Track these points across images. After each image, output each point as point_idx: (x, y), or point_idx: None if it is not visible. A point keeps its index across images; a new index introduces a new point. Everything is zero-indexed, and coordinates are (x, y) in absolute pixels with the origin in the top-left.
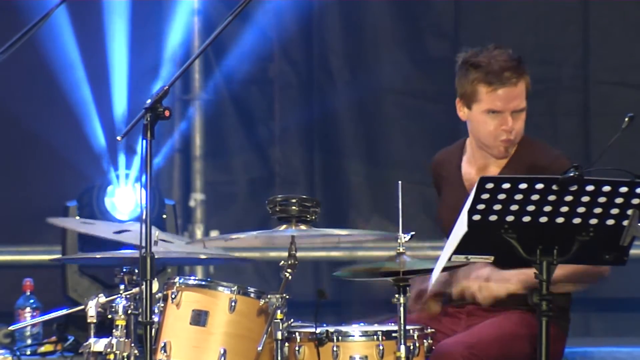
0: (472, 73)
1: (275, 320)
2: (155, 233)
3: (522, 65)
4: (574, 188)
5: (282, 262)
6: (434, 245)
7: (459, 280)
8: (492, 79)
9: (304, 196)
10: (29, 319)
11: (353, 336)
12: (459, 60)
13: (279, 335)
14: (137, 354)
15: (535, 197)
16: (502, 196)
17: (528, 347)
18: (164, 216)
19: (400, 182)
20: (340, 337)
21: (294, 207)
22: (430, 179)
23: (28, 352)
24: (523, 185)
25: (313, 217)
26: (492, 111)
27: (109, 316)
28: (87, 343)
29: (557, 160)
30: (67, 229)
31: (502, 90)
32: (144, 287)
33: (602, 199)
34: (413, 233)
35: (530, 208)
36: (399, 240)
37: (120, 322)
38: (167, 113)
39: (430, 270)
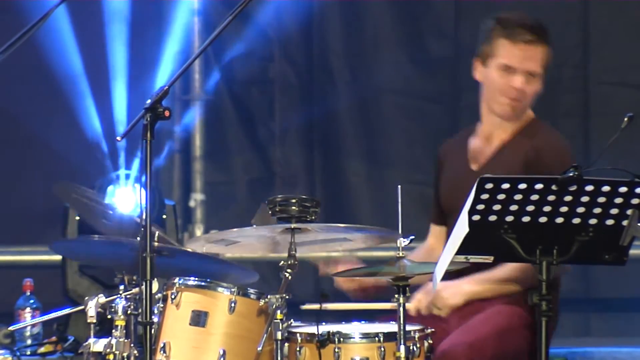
0: (496, 28)
1: (275, 321)
2: (156, 233)
3: (546, 34)
4: (573, 188)
5: (282, 262)
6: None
7: (412, 297)
8: (510, 32)
9: (304, 196)
10: (29, 319)
11: (354, 338)
12: (486, 21)
13: (279, 335)
14: (137, 355)
15: (534, 197)
16: (501, 196)
17: (523, 339)
18: (164, 216)
19: (400, 186)
20: (341, 339)
21: (294, 208)
22: (432, 179)
23: (28, 353)
24: (522, 186)
25: (313, 218)
26: (506, 67)
27: (109, 316)
28: (87, 343)
29: (553, 142)
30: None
31: (520, 47)
32: (143, 287)
33: (601, 199)
34: (413, 237)
35: (530, 208)
36: (398, 244)
37: (120, 322)
38: (167, 113)
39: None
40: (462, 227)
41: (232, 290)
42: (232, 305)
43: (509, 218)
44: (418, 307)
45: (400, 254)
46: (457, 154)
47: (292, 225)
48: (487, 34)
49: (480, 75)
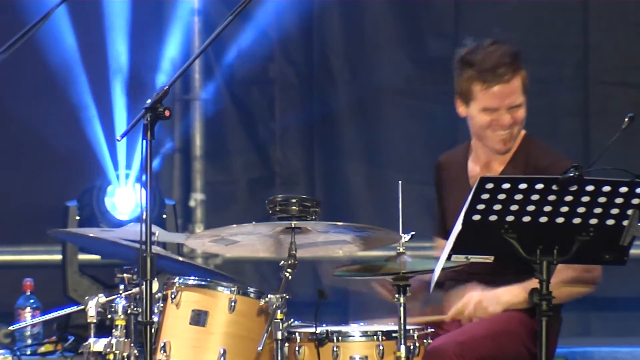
0: (466, 71)
1: (275, 320)
2: (156, 232)
3: (518, 60)
4: (574, 188)
5: (282, 261)
6: (434, 245)
7: (450, 304)
8: (485, 76)
9: (304, 196)
10: (29, 319)
11: (353, 336)
12: (456, 57)
13: (279, 335)
14: (137, 354)
15: (535, 197)
16: (502, 196)
17: (520, 345)
18: (164, 216)
19: (400, 182)
20: (340, 338)
21: (294, 207)
22: (432, 178)
23: (28, 352)
24: (523, 185)
25: (313, 217)
26: (488, 109)
27: (109, 316)
28: (87, 343)
29: (557, 162)
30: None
31: (497, 88)
32: (143, 287)
33: (602, 199)
34: (413, 233)
35: (530, 208)
36: (400, 240)
37: (120, 322)
38: (167, 113)
39: (430, 271)
40: (457, 226)
41: (232, 289)
42: (232, 304)
43: (510, 218)
44: (456, 316)
45: (401, 250)
46: (459, 178)
47: (293, 223)
48: (460, 76)
49: (464, 112)
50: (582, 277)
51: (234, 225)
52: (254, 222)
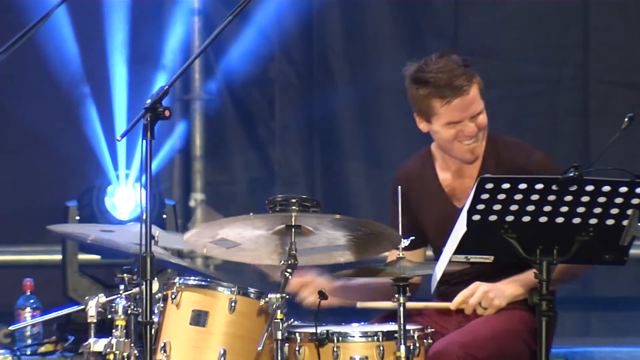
0: (422, 89)
1: (276, 321)
2: (156, 232)
3: (470, 69)
4: (573, 188)
5: (282, 262)
6: (428, 247)
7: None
8: (443, 92)
9: (304, 196)
10: (29, 319)
11: (353, 337)
12: (405, 75)
13: (279, 335)
14: (137, 354)
15: (535, 197)
16: (501, 196)
17: (522, 344)
18: (164, 216)
19: (400, 187)
20: (340, 338)
21: (294, 207)
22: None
23: (28, 352)
24: (523, 185)
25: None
26: (451, 122)
27: (109, 316)
28: (87, 343)
29: (531, 156)
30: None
31: (456, 101)
32: (144, 287)
33: (602, 199)
34: (413, 237)
35: (530, 208)
36: (398, 245)
37: (120, 322)
38: (167, 113)
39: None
40: (460, 227)
41: (233, 289)
42: (233, 304)
43: (510, 218)
44: (461, 305)
45: (400, 255)
46: (431, 189)
47: (293, 215)
48: (416, 95)
49: (425, 128)
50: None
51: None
52: (251, 214)
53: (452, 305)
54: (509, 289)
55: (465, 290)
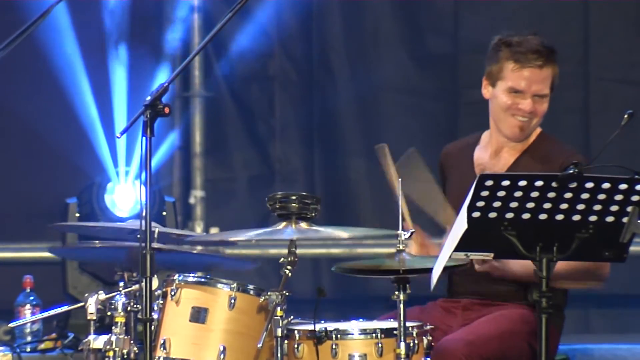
0: (502, 50)
1: (275, 318)
2: (156, 230)
3: (553, 55)
4: (573, 185)
5: (282, 259)
6: (433, 242)
7: None
8: (519, 57)
9: (304, 193)
10: (28, 316)
11: (352, 334)
12: (494, 40)
13: (279, 332)
14: (137, 351)
15: (534, 194)
16: (501, 193)
17: (526, 343)
18: (164, 213)
19: (400, 179)
20: (339, 335)
21: (294, 205)
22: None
23: (28, 349)
24: (522, 183)
25: (313, 215)
26: (514, 90)
27: (109, 313)
28: (87, 340)
29: (571, 157)
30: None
31: (527, 71)
32: (143, 284)
33: (601, 196)
34: (413, 230)
35: (530, 205)
36: (398, 238)
37: (120, 319)
38: (166, 110)
39: (429, 269)
40: (461, 224)
41: (232, 286)
42: (232, 301)
43: (509, 215)
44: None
45: (400, 247)
46: (463, 165)
47: (293, 222)
48: (495, 56)
49: (488, 94)
50: (591, 269)
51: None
52: (253, 241)
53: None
54: (513, 265)
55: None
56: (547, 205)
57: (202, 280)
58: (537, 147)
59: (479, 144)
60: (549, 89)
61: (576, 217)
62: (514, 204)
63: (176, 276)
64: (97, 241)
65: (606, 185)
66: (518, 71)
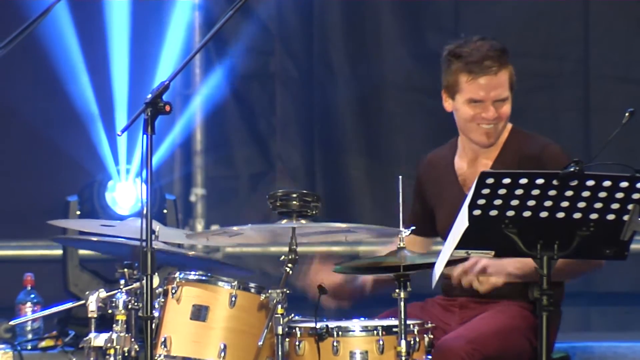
0: (453, 63)
1: (276, 315)
2: (157, 227)
3: (505, 56)
4: (574, 183)
5: (283, 256)
6: (434, 239)
7: (456, 268)
8: (472, 67)
9: (305, 191)
10: (29, 314)
11: (353, 331)
12: (444, 52)
13: (280, 330)
14: (138, 349)
15: (535, 192)
16: (502, 191)
17: (524, 339)
18: (165, 211)
19: (400, 177)
20: (340, 332)
21: (294, 202)
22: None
23: (29, 347)
24: (523, 180)
25: (314, 212)
26: (474, 100)
27: (110, 311)
28: (88, 338)
29: (546, 148)
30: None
31: (483, 79)
32: (144, 282)
33: (602, 194)
34: (413, 227)
35: (531, 203)
36: (399, 235)
37: (121, 317)
38: (167, 108)
39: (431, 265)
40: (462, 222)
41: (233, 284)
42: (233, 299)
43: (510, 213)
44: (460, 276)
45: (401, 245)
46: (446, 175)
47: (294, 222)
48: (448, 69)
49: (450, 107)
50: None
51: (234, 228)
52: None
53: (453, 278)
54: (509, 267)
55: (467, 262)
56: (548, 203)
57: (203, 278)
58: (511, 146)
59: (457, 150)
60: (508, 90)
61: (577, 215)
62: (514, 202)
63: (177, 274)
64: (101, 235)
65: (607, 183)
66: (473, 82)
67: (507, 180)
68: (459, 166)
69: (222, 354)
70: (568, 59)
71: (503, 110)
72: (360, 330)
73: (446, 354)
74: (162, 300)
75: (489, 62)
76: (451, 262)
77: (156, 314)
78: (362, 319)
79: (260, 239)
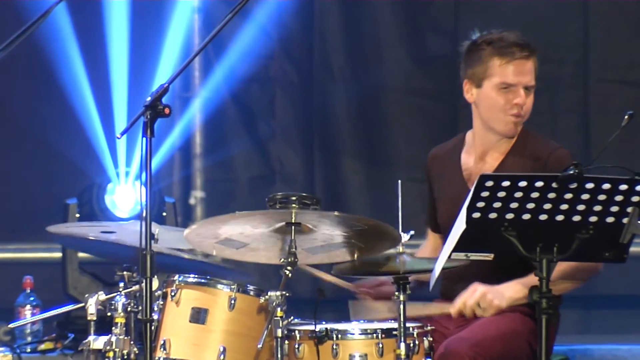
0: (485, 49)
1: (275, 318)
2: (156, 230)
3: (533, 46)
4: (573, 186)
5: (282, 259)
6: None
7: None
8: (504, 52)
9: (304, 194)
10: (29, 317)
11: (353, 334)
12: (465, 46)
13: (279, 333)
14: (137, 352)
15: (535, 194)
16: (502, 194)
17: (525, 342)
18: (164, 214)
19: (400, 181)
20: (339, 335)
21: (293, 205)
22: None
23: (28, 350)
24: (523, 183)
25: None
26: (505, 85)
27: (109, 314)
28: (87, 340)
29: (555, 152)
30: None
31: (515, 63)
32: (143, 284)
33: (601, 197)
34: (412, 232)
35: (530, 206)
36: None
37: (120, 319)
38: (167, 111)
39: (430, 270)
40: (459, 225)
41: (232, 287)
42: (232, 302)
43: (510, 216)
44: (461, 309)
45: (400, 249)
46: (451, 170)
47: (293, 212)
48: (476, 56)
49: (473, 97)
50: (581, 266)
51: (237, 213)
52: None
53: (452, 311)
54: (508, 291)
55: (464, 292)
56: (547, 206)
57: (202, 281)
58: (521, 146)
59: (464, 146)
60: (535, 80)
61: (576, 218)
62: (514, 205)
63: (176, 277)
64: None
65: (606, 186)
66: (505, 65)
67: (506, 183)
68: (465, 161)
69: (222, 357)
70: (567, 61)
71: (529, 101)
72: (360, 333)
73: (450, 357)
74: (162, 302)
75: (521, 48)
76: (450, 266)
77: (155, 316)
78: (362, 321)
79: (268, 252)
